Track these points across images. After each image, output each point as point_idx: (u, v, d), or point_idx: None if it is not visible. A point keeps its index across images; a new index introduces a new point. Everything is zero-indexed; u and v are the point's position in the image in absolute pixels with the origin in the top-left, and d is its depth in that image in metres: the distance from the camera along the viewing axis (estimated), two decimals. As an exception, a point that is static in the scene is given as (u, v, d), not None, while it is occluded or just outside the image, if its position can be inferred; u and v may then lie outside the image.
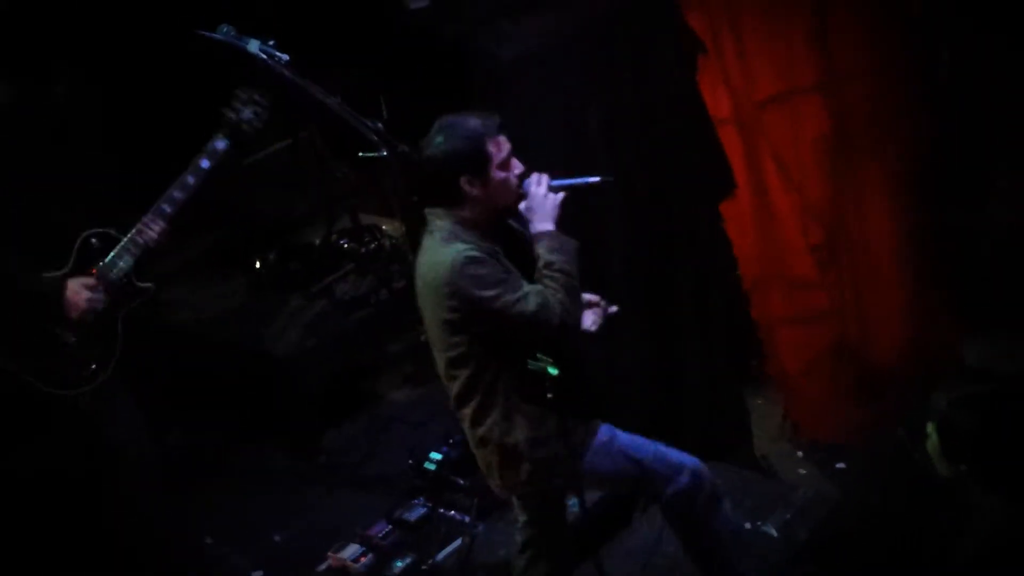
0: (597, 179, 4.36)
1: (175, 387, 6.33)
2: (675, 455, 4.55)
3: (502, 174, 4.13)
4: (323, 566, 5.48)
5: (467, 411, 4.27)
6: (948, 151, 6.43)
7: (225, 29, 5.11)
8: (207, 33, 5.11)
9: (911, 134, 6.29)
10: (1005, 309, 6.51)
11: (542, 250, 4.15)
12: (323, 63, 5.67)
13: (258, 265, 7.02)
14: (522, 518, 4.60)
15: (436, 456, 5.76)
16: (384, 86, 6.43)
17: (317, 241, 7.09)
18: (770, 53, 6.03)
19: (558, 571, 4.64)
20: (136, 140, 6.33)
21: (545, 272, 4.10)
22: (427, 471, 5.74)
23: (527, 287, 4.05)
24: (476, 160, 4.08)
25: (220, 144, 4.91)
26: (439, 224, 4.14)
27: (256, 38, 5.11)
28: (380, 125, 5.22)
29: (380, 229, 7.01)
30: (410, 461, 5.86)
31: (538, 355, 4.00)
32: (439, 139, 4.10)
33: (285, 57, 5.10)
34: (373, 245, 6.84)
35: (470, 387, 4.22)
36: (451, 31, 6.04)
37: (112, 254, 4.77)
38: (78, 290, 4.71)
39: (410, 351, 6.79)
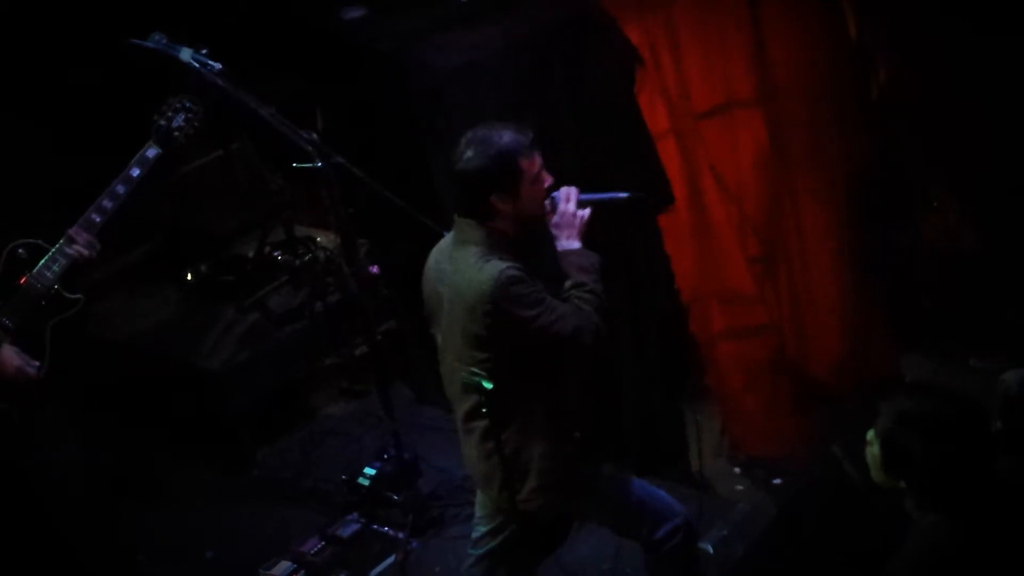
0: (626, 195, 4.33)
1: (105, 401, 6.23)
2: (668, 498, 4.54)
3: (533, 190, 4.06)
4: (255, 584, 5.42)
5: (480, 424, 4.18)
6: (882, 168, 6.48)
7: (157, 37, 5.05)
8: (139, 41, 5.04)
9: (846, 150, 6.34)
10: (940, 325, 6.56)
11: (571, 269, 4.11)
12: (257, 73, 5.61)
13: (190, 277, 6.93)
14: (483, 528, 4.51)
15: (370, 471, 5.71)
16: (319, 97, 6.37)
17: (250, 253, 7.01)
18: (708, 66, 6.06)
19: None
20: (65, 148, 6.22)
21: (576, 292, 4.07)
22: (361, 487, 5.69)
23: (562, 307, 4.01)
24: (508, 177, 4.00)
25: (151, 152, 4.83)
26: (472, 236, 4.06)
27: (188, 47, 5.05)
28: (315, 136, 5.18)
29: (315, 241, 6.94)
30: (344, 476, 5.80)
31: (473, 369, 3.97)
32: (470, 153, 4.01)
33: (217, 66, 5.05)
34: (307, 257, 6.75)
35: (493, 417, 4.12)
36: (386, 42, 6.00)
37: (40, 264, 4.67)
38: (11, 358, 4.61)
39: (345, 365, 6.73)
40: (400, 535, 5.45)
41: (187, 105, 4.90)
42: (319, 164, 5.10)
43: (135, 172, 4.80)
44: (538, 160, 4.06)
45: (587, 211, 4.19)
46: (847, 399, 6.22)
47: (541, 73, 5.79)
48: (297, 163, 5.25)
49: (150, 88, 5.04)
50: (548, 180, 4.12)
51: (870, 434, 3.55)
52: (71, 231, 4.71)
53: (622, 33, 5.84)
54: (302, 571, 5.40)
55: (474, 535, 4.57)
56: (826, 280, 6.44)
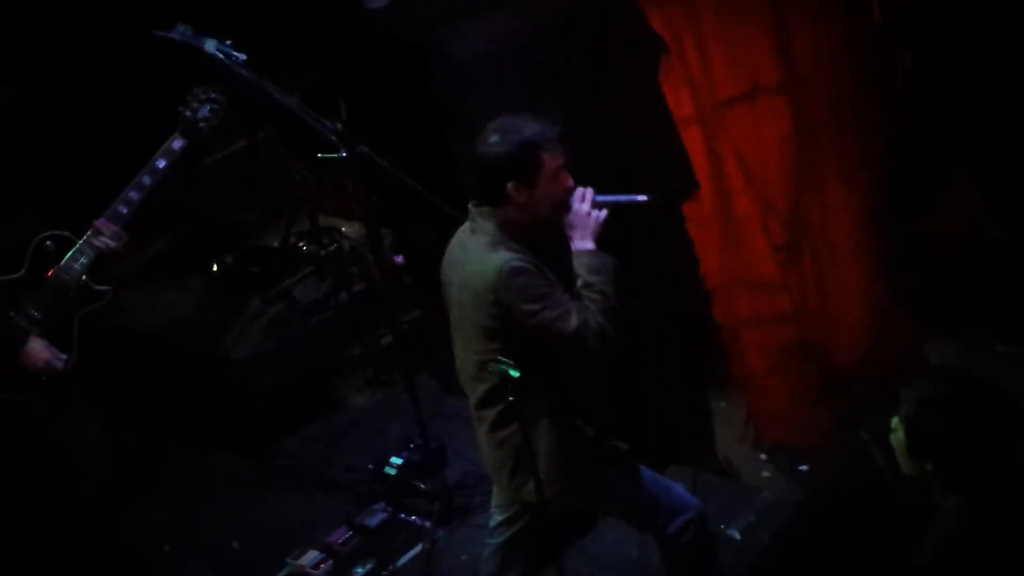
0: (644, 197, 4.30)
1: (133, 392, 6.26)
2: (682, 491, 4.56)
3: (550, 186, 4.05)
4: (282, 573, 5.43)
5: (489, 413, 4.21)
6: (905, 156, 6.45)
7: (181, 29, 5.07)
8: (163, 33, 5.06)
9: (870, 138, 6.30)
10: (965, 311, 6.54)
11: (582, 269, 4.09)
12: (281, 63, 5.63)
13: (215, 268, 6.96)
14: (499, 517, 4.53)
15: (397, 461, 5.72)
16: (343, 87, 6.38)
17: (275, 244, 7.04)
18: (732, 53, 6.02)
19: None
20: (92, 142, 6.25)
21: (585, 292, 4.04)
22: (388, 476, 5.70)
23: (569, 304, 3.99)
24: (528, 169, 4.00)
25: (177, 143, 4.85)
26: (484, 225, 4.07)
27: (213, 38, 5.07)
28: (339, 126, 5.19)
29: (339, 231, 6.96)
30: (370, 466, 5.81)
31: (499, 357, 3.97)
32: (495, 139, 4.02)
33: (242, 57, 5.07)
34: (332, 247, 6.78)
35: (496, 393, 4.13)
36: (409, 31, 6.01)
37: (68, 257, 4.70)
38: (39, 351, 4.63)
39: (370, 354, 6.75)
40: (427, 524, 5.46)
41: (212, 96, 4.92)
42: (343, 154, 5.11)
43: (161, 163, 4.82)
44: (560, 158, 4.05)
45: (603, 212, 4.16)
46: (872, 386, 6.19)
47: (565, 62, 5.79)
48: (322, 153, 5.26)
49: (176, 79, 5.06)
50: (568, 181, 4.10)
51: (895, 421, 3.56)
52: (98, 223, 4.73)
53: (646, 21, 5.82)
54: (330, 560, 5.42)
55: (491, 524, 4.59)
56: (850, 267, 6.41)
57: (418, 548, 5.41)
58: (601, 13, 5.82)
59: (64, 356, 4.68)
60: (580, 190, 4.14)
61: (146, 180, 4.79)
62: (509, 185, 3.99)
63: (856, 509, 5.26)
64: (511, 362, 3.94)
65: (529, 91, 5.77)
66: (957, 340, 6.55)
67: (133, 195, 4.77)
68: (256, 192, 7.40)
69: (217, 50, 5.03)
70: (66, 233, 4.76)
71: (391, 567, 5.36)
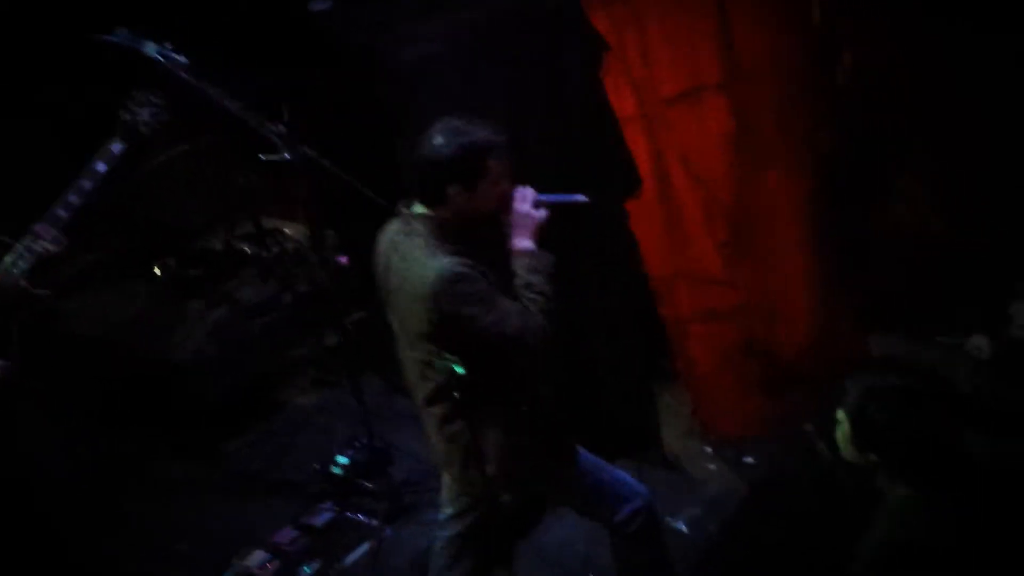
0: (583, 198, 4.28)
1: (76, 397, 6.21)
2: (630, 481, 4.60)
3: (492, 191, 4.04)
4: (229, 574, 5.41)
5: (437, 410, 4.21)
6: (849, 152, 6.50)
7: (121, 32, 5.03)
8: (103, 36, 5.03)
9: (813, 135, 6.34)
10: (908, 306, 6.60)
11: (521, 269, 4.08)
12: (223, 66, 5.60)
13: (158, 271, 6.92)
14: (450, 510, 4.54)
15: (343, 460, 5.72)
16: (286, 89, 6.36)
17: (218, 246, 7.00)
18: (674, 51, 6.03)
19: (482, 570, 4.60)
20: (30, 144, 6.20)
21: (524, 292, 4.04)
22: (334, 475, 5.69)
23: (508, 306, 3.98)
24: (471, 172, 3.98)
25: (116, 147, 4.83)
26: (418, 227, 4.05)
27: (153, 41, 5.04)
28: (282, 128, 5.17)
29: (283, 233, 6.95)
30: (316, 466, 5.80)
31: (444, 354, 3.98)
32: (439, 140, 3.98)
33: (183, 60, 5.04)
34: (276, 249, 6.77)
35: (442, 392, 4.15)
36: (355, 33, 5.99)
37: (6, 260, 4.66)
38: None
39: (315, 355, 6.73)
40: (374, 522, 5.46)
41: (152, 99, 4.90)
42: (287, 156, 5.09)
43: (101, 167, 4.80)
44: (505, 164, 4.04)
45: (543, 212, 4.15)
46: (817, 380, 6.23)
47: (511, 62, 5.79)
48: (265, 155, 5.24)
49: (115, 83, 5.04)
50: (509, 186, 4.09)
51: (839, 413, 3.60)
52: (36, 227, 4.71)
53: (589, 20, 5.84)
54: (277, 561, 5.40)
55: (441, 517, 4.60)
56: (794, 263, 6.44)
57: (365, 546, 5.40)
58: (547, 13, 5.82)
59: (4, 362, 4.64)
60: (520, 190, 4.13)
61: (86, 184, 4.76)
62: (451, 188, 3.98)
63: (801, 501, 5.31)
64: (456, 358, 3.96)
65: (475, 92, 5.78)
66: (900, 333, 6.62)
67: (72, 199, 4.75)
68: (198, 195, 7.37)
69: (158, 53, 5.00)
70: (4, 237, 4.73)
71: (338, 566, 5.35)
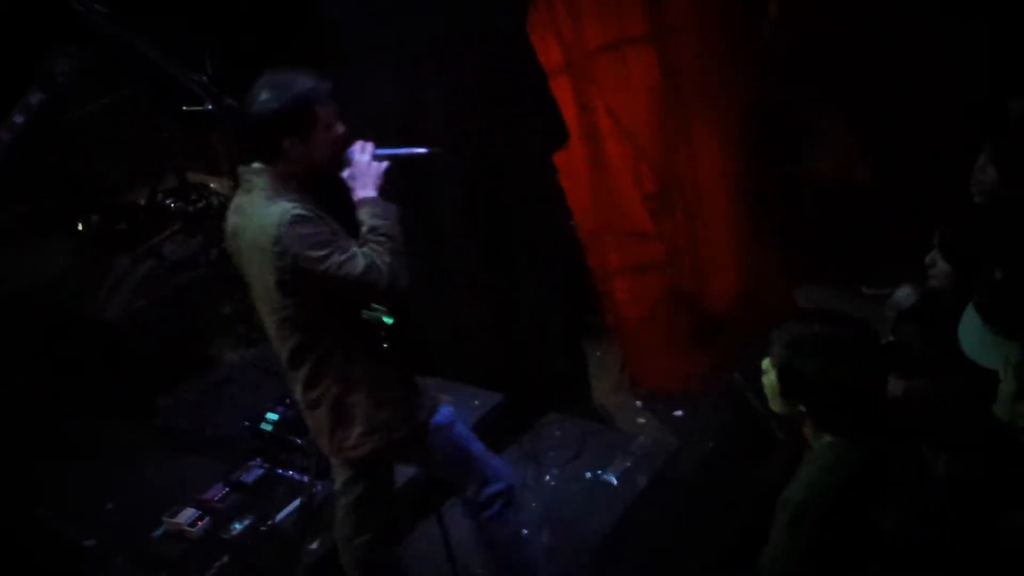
0: (423, 150, 4.26)
1: (5, 354, 6.13)
2: (499, 464, 4.60)
3: (326, 137, 4.02)
4: (159, 532, 5.36)
5: (300, 372, 4.18)
6: (774, 104, 6.53)
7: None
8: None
9: (738, 87, 6.36)
10: (832, 257, 6.65)
11: (365, 216, 4.05)
12: (144, 16, 5.50)
13: (81, 227, 6.81)
14: (342, 476, 4.48)
15: (272, 417, 5.66)
16: (208, 39, 6.27)
17: (142, 201, 6.91)
18: (600, 3, 6.02)
19: (385, 536, 4.57)
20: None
21: (370, 236, 4.01)
22: (263, 432, 5.64)
23: (354, 248, 3.96)
24: (303, 122, 3.96)
25: (35, 98, 4.76)
26: (257, 181, 4.02)
27: (73, -12, 4.94)
28: (205, 79, 5.10)
29: (208, 187, 6.87)
30: (246, 423, 5.75)
31: (373, 304, 3.96)
32: (265, 95, 3.94)
33: (103, 9, 4.95)
34: (201, 204, 6.69)
35: (304, 348, 4.12)
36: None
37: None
38: None
39: (243, 312, 6.67)
40: (304, 478, 5.41)
41: (71, 50, 4.82)
42: (210, 107, 5.02)
43: (19, 119, 4.74)
44: (333, 109, 4.03)
45: (384, 164, 4.13)
46: (744, 331, 6.27)
47: (435, 11, 5.74)
48: (187, 107, 5.17)
49: (34, 34, 4.95)
50: (341, 129, 4.08)
51: (765, 362, 3.60)
52: (-46, 181, 4.62)
53: (514, -30, 5.81)
54: (207, 518, 5.35)
55: (335, 485, 4.56)
56: (721, 215, 6.47)
57: (296, 502, 5.36)
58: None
59: None
60: (359, 143, 4.12)
61: (4, 136, 4.69)
62: (285, 141, 3.96)
63: (731, 452, 5.33)
64: (384, 308, 3.94)
65: (399, 38, 5.73)
66: (825, 284, 6.68)
67: (-9, 152, 4.67)
68: (121, 149, 7.26)
69: (77, 2, 4.91)
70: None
71: (269, 522, 5.31)
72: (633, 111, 6.21)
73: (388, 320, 3.90)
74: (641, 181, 6.32)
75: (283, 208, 3.89)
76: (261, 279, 4.03)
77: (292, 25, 5.77)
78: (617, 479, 5.50)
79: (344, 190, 4.12)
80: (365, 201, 4.07)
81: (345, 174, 4.11)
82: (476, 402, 5.84)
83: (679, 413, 6.20)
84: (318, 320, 4.07)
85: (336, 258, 3.89)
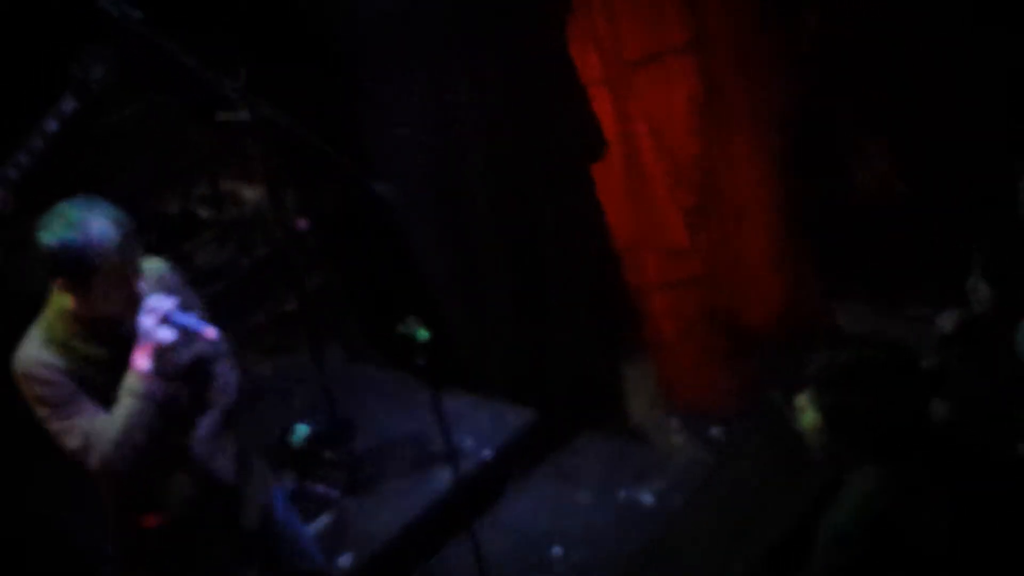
0: (213, 334, 3.79)
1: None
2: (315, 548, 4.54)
3: (110, 290, 3.63)
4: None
5: None
6: (814, 119, 6.47)
7: (76, -17, 4.91)
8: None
9: (778, 101, 6.32)
10: (873, 273, 6.59)
11: (125, 383, 3.70)
12: (179, 22, 5.47)
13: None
14: None
15: (303, 430, 5.65)
16: (242, 46, 6.25)
17: (174, 209, 6.89)
18: (639, 13, 6.01)
19: None
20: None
21: (115, 407, 3.72)
22: (294, 445, 5.61)
23: (75, 422, 3.67)
24: (75, 272, 3.57)
25: (68, 105, 4.74)
26: (49, 298, 3.76)
27: (109, -6, 4.91)
28: (239, 86, 5.05)
29: (240, 195, 6.84)
30: (277, 435, 5.72)
31: (407, 319, 3.90)
32: (51, 228, 3.56)
33: (138, 14, 4.90)
34: (233, 212, 6.66)
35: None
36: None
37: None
38: None
39: (272, 322, 6.64)
40: (333, 493, 5.40)
41: (105, 55, 4.79)
42: (244, 115, 4.97)
43: (52, 126, 4.72)
44: (128, 263, 3.64)
45: (168, 333, 3.72)
46: (782, 348, 6.23)
47: (470, 21, 5.71)
48: (221, 114, 5.13)
49: (68, 39, 4.93)
50: (137, 283, 3.69)
51: (800, 400, 3.56)
52: (-13, 186, 4.61)
53: (551, -22, 5.79)
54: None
55: None
56: (759, 230, 6.44)
57: (326, 517, 5.34)
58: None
59: None
60: (151, 301, 3.73)
61: (36, 143, 4.67)
62: (58, 281, 3.65)
63: (767, 472, 5.27)
64: (420, 324, 3.88)
65: (435, 51, 5.71)
66: (866, 302, 6.61)
67: (23, 158, 4.68)
68: (154, 155, 7.24)
69: (111, 6, 4.86)
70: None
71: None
72: (672, 123, 6.18)
73: (423, 335, 3.83)
74: (679, 194, 6.27)
75: (27, 356, 3.68)
76: None
77: (328, 32, 5.74)
78: (652, 498, 5.46)
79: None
80: (131, 372, 3.72)
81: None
82: (510, 419, 5.84)
83: (715, 431, 6.14)
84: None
85: (55, 424, 3.68)
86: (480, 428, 5.77)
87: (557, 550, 5.26)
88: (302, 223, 5.57)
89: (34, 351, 3.68)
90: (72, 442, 3.69)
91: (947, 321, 4.86)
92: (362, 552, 5.16)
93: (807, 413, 3.55)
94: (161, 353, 3.72)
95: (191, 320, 3.76)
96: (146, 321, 3.70)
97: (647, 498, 5.46)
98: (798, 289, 6.50)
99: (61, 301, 3.72)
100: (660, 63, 6.10)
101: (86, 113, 4.92)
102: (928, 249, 6.33)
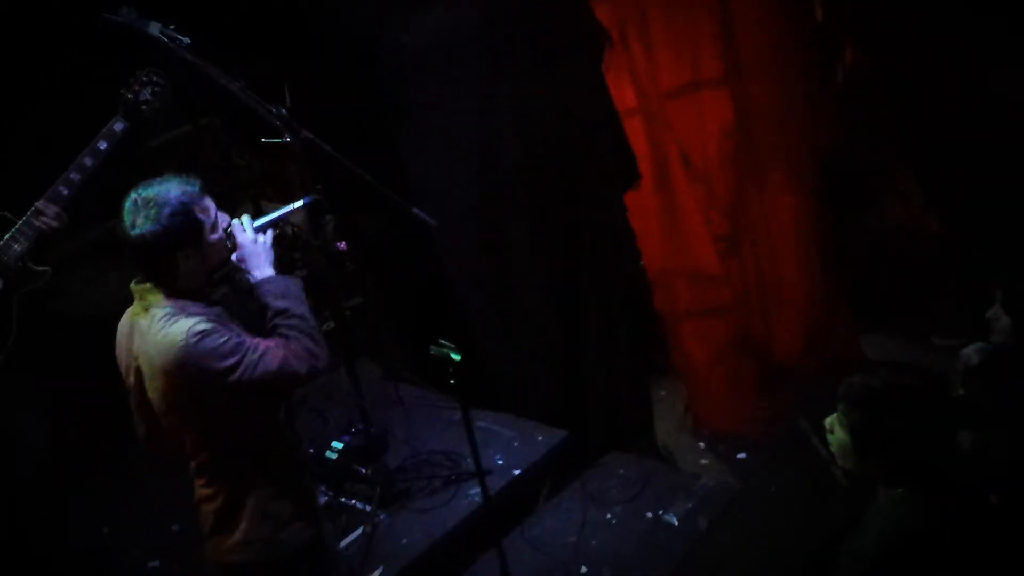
0: (301, 202, 4.23)
1: (74, 377, 6.21)
2: None
3: (214, 236, 3.83)
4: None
5: (198, 473, 3.99)
6: (846, 151, 6.51)
7: (125, 11, 5.03)
8: (108, 16, 5.03)
9: (811, 133, 6.36)
10: (903, 306, 6.62)
11: (269, 298, 3.89)
12: (225, 48, 5.59)
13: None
14: None
15: (338, 445, 5.69)
16: (288, 73, 6.35)
17: (218, 229, 6.97)
18: (676, 45, 6.07)
19: None
20: (33, 122, 6.20)
21: (278, 322, 3.84)
22: (328, 460, 5.68)
23: (264, 344, 3.74)
24: (190, 232, 3.75)
25: (118, 126, 4.86)
26: (154, 300, 3.81)
27: (157, 21, 5.04)
28: (284, 111, 5.17)
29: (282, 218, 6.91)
30: (311, 450, 5.79)
31: (441, 341, 3.97)
32: (141, 218, 3.71)
33: (186, 40, 5.03)
34: (275, 232, 6.75)
35: (206, 466, 3.94)
36: (356, 22, 5.99)
37: (7, 236, 4.69)
38: None
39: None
40: (368, 508, 5.45)
41: (154, 79, 4.92)
42: (288, 139, 5.08)
43: (102, 146, 4.82)
44: (211, 204, 3.85)
45: (270, 236, 4.02)
46: (810, 377, 6.25)
47: (512, 51, 5.79)
48: (265, 138, 5.24)
49: (118, 64, 5.04)
50: (225, 221, 3.91)
51: (829, 420, 3.56)
52: (38, 204, 4.73)
53: (592, 12, 5.85)
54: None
55: None
56: (790, 260, 6.47)
57: (359, 531, 5.38)
58: (548, 4, 5.83)
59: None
60: (236, 223, 3.97)
61: (87, 162, 4.79)
62: (179, 255, 3.76)
63: (793, 497, 5.32)
64: (452, 345, 3.94)
65: (476, 81, 5.78)
66: (894, 333, 6.63)
67: (74, 176, 4.78)
68: (199, 176, 7.33)
69: (161, 33, 5.00)
70: (6, 213, 4.75)
71: (331, 550, 5.34)
72: (706, 153, 6.24)
73: (456, 357, 3.90)
74: (711, 223, 6.32)
75: (184, 326, 3.70)
76: (162, 396, 3.82)
77: (374, 60, 5.83)
78: (678, 520, 5.47)
79: (240, 281, 3.99)
80: (263, 282, 3.94)
81: (234, 257, 3.96)
82: (540, 438, 5.85)
83: (742, 456, 6.18)
84: (227, 436, 3.86)
85: (249, 358, 3.69)
86: (510, 447, 5.80)
87: (583, 569, 5.27)
88: (341, 245, 5.66)
89: (187, 321, 3.70)
90: (275, 362, 3.70)
91: (972, 353, 4.89)
92: (392, 566, 5.18)
93: (835, 433, 3.55)
94: (272, 255, 3.98)
95: (274, 213, 4.06)
96: (245, 236, 3.94)
97: (673, 519, 5.46)
98: (827, 320, 6.53)
99: (154, 301, 3.80)
100: (695, 94, 6.17)
101: (135, 134, 5.03)
102: (955, 282, 6.37)
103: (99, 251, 7.07)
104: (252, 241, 3.97)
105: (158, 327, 3.74)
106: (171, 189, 3.76)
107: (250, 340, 3.73)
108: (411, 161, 5.89)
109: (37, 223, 4.71)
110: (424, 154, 5.95)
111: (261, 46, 6.32)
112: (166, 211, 3.71)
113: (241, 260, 3.97)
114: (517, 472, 5.66)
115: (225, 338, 3.68)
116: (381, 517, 5.38)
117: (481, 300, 6.15)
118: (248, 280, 4.00)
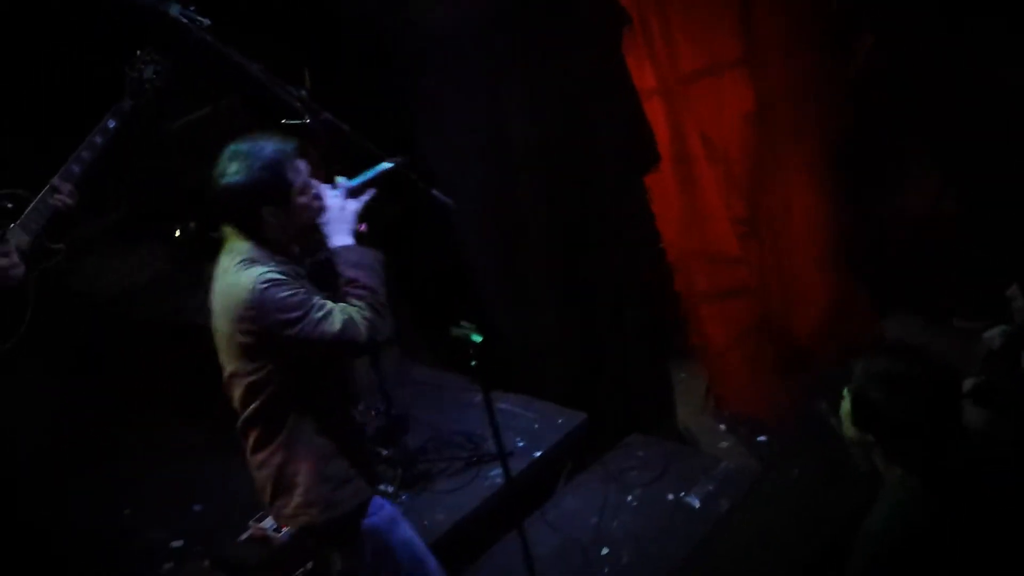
0: (391, 164, 4.22)
1: (93, 358, 6.23)
2: (433, 569, 4.41)
3: (303, 198, 3.91)
4: (244, 536, 5.41)
5: (251, 433, 4.03)
6: (864, 133, 6.50)
7: (146, -9, 5.04)
8: (128, -4, 5.04)
9: (829, 115, 6.35)
10: (921, 288, 6.60)
11: (343, 266, 3.94)
12: (245, 30, 5.59)
13: (178, 234, 6.92)
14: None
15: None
16: (307, 55, 6.35)
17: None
18: (695, 27, 6.05)
19: None
20: (49, 103, 6.22)
21: (349, 290, 3.89)
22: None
23: (330, 306, 3.80)
24: (277, 189, 3.84)
25: (125, 104, 4.90)
26: (238, 246, 3.91)
27: (177, 2, 5.04)
28: (304, 92, 5.17)
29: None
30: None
31: (462, 322, 3.97)
32: (233, 168, 3.83)
33: (206, 21, 5.04)
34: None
35: (260, 411, 3.97)
36: (372, 1, 5.99)
37: (24, 215, 4.71)
38: None
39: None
40: (389, 489, 5.46)
41: (156, 58, 4.95)
42: (307, 121, 5.09)
43: (111, 123, 4.88)
44: (304, 167, 3.91)
45: (355, 204, 4.05)
46: (830, 360, 6.25)
47: (528, 34, 5.78)
48: (285, 120, 5.24)
49: (134, 44, 5.06)
50: (317, 187, 3.98)
51: (845, 390, 3.60)
52: (54, 181, 4.76)
53: (611, -6, 5.84)
54: (291, 524, 5.41)
55: None
56: (809, 243, 6.46)
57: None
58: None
59: (23, 267, 4.64)
60: (328, 187, 4.04)
61: (97, 139, 4.84)
62: (264, 211, 3.85)
63: (813, 479, 5.32)
64: (473, 326, 3.95)
65: (493, 62, 5.77)
66: (915, 316, 6.62)
67: (85, 154, 4.82)
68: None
69: (181, 14, 5.00)
70: (20, 191, 4.77)
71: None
72: (726, 135, 6.22)
73: (477, 338, 3.90)
74: (731, 206, 6.31)
75: (256, 272, 3.78)
76: (227, 340, 3.93)
77: (391, 42, 5.83)
78: (700, 502, 5.49)
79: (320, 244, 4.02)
80: (342, 250, 3.98)
81: (320, 219, 4.02)
82: (560, 420, 5.87)
83: (763, 439, 6.18)
84: (282, 386, 3.92)
85: (312, 316, 3.75)
86: (531, 429, 5.82)
87: (604, 550, 5.30)
88: (362, 227, 5.66)
89: (260, 268, 3.79)
90: (335, 325, 3.75)
91: (994, 336, 4.88)
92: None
93: (844, 404, 3.59)
94: (356, 224, 4.01)
95: (366, 174, 4.13)
96: (335, 200, 3.99)
97: (694, 501, 5.48)
98: (847, 302, 6.52)
99: (238, 247, 3.88)
100: (714, 76, 6.15)
101: (145, 113, 5.05)
102: (975, 263, 6.35)
103: (119, 233, 7.12)
104: (339, 208, 4.01)
105: (233, 270, 3.84)
106: (266, 145, 3.86)
107: (318, 300, 3.80)
108: (428, 142, 5.88)
109: (52, 200, 4.73)
110: (441, 136, 5.95)
111: (278, 29, 6.33)
112: (256, 164, 3.82)
113: (325, 224, 4.01)
114: (538, 454, 5.68)
115: (292, 291, 3.76)
116: (403, 498, 5.40)
117: (501, 282, 6.16)
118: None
